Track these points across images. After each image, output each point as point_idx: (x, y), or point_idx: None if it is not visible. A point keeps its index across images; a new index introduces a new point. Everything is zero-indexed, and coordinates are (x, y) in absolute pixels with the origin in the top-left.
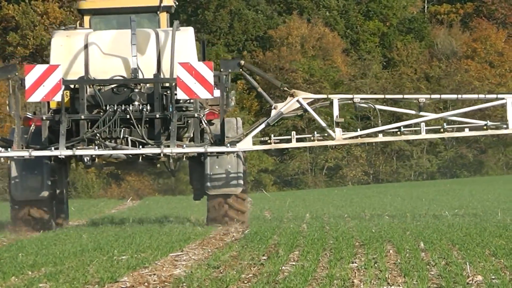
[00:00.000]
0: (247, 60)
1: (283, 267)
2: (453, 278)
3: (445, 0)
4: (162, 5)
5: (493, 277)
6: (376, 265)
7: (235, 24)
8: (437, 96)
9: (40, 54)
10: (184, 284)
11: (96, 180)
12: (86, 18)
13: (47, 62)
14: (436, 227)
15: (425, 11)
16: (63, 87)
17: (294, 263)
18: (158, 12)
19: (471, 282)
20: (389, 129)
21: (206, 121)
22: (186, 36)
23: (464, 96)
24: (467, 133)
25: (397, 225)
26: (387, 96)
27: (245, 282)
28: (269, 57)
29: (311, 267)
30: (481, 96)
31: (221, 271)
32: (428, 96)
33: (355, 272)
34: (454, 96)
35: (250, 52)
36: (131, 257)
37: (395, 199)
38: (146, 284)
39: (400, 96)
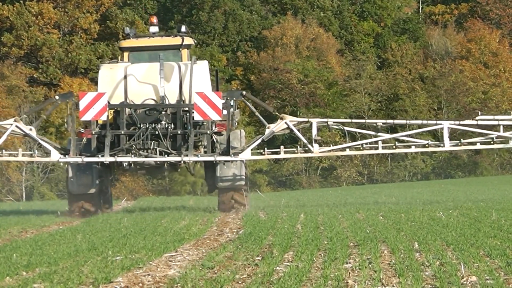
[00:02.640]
0: (241, 61)
1: (277, 268)
2: (447, 278)
3: (439, 0)
4: (183, 43)
5: (487, 277)
6: (370, 265)
7: (229, 24)
8: (391, 121)
9: (35, 55)
10: (179, 284)
11: None
12: (125, 54)
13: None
14: (430, 228)
15: (420, 11)
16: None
17: (288, 263)
18: (181, 49)
19: (465, 282)
20: (355, 145)
21: (216, 136)
22: (202, 68)
23: (412, 121)
24: (413, 149)
25: (391, 226)
26: (354, 121)
27: (240, 282)
28: (263, 57)
29: (305, 267)
30: (424, 122)
31: (216, 271)
32: (384, 121)
33: (349, 273)
34: (404, 121)
35: (245, 52)
36: (125, 258)
37: (389, 200)
38: (140, 284)
39: (363, 120)
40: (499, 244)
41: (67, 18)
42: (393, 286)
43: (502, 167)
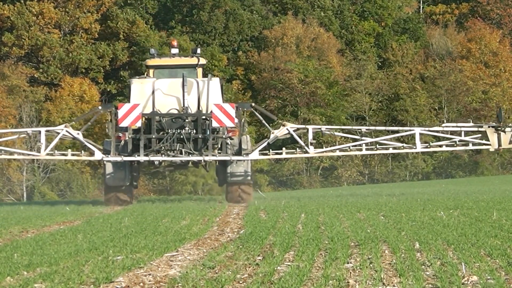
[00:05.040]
0: (242, 61)
1: (278, 267)
2: (448, 278)
3: (440, 0)
4: (199, 63)
5: (488, 277)
6: (371, 265)
7: (230, 24)
8: (373, 127)
9: (35, 55)
10: (179, 284)
11: (91, 180)
12: (151, 71)
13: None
14: (431, 227)
15: (420, 11)
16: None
17: (289, 263)
18: (196, 68)
19: (466, 282)
20: (343, 147)
21: (229, 139)
22: (215, 83)
23: (389, 128)
24: (390, 151)
25: (392, 226)
26: (343, 127)
27: (240, 282)
28: (264, 57)
29: (306, 267)
30: (399, 128)
31: (216, 271)
32: (367, 127)
33: (350, 272)
34: (383, 127)
35: (245, 52)
36: (126, 257)
37: (390, 200)
38: (141, 284)
39: (350, 127)
40: (500, 244)
41: (68, 18)
42: (394, 285)
43: (503, 166)
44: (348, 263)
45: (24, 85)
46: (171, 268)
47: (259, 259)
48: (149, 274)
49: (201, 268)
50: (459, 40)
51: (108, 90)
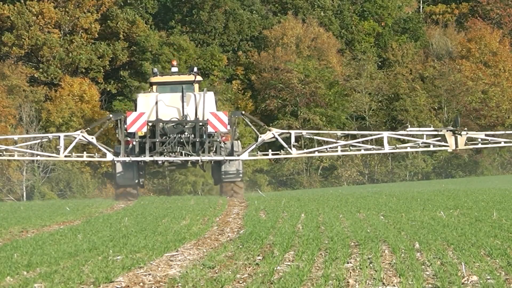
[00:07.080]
0: (242, 60)
1: (278, 267)
2: (448, 278)
3: (440, 0)
4: (195, 79)
5: (488, 277)
6: (371, 265)
7: (230, 24)
8: (347, 132)
9: (35, 55)
10: (179, 284)
11: (91, 180)
12: (154, 87)
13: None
14: (431, 227)
15: (420, 11)
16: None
17: (289, 263)
18: (193, 84)
19: (466, 282)
20: (322, 149)
21: (223, 143)
22: (209, 96)
23: (361, 132)
24: (362, 152)
25: (392, 225)
26: (320, 132)
27: (240, 282)
28: (264, 57)
29: (306, 267)
30: (370, 132)
31: (216, 271)
32: (341, 131)
33: (350, 272)
34: (356, 132)
35: (245, 52)
36: (126, 257)
37: (390, 199)
38: (141, 284)
39: (326, 131)
40: (500, 244)
41: (68, 18)
42: (394, 285)
43: (502, 166)
44: (348, 263)
45: (24, 85)
46: (171, 268)
47: (259, 259)
48: (149, 274)
49: (201, 268)
50: (459, 40)
51: (108, 90)
